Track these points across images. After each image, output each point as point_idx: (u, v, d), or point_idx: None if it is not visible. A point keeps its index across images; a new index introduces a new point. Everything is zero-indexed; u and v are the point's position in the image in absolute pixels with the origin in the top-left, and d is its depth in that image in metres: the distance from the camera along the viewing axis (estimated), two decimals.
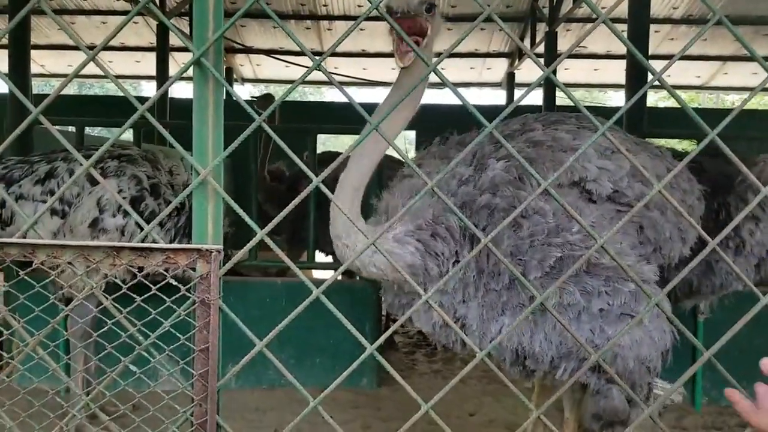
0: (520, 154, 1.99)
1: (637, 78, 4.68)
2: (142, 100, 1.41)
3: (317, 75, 10.85)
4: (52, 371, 1.42)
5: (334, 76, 1.48)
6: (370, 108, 1.39)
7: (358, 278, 4.42)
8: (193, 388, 1.28)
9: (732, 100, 18.20)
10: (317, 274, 6.54)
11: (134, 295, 1.32)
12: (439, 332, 2.21)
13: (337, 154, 8.82)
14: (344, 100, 1.27)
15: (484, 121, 1.29)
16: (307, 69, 1.37)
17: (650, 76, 1.34)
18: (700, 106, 15.78)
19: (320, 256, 5.49)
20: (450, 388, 3.00)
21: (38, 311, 1.48)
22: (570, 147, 2.17)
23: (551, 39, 7.63)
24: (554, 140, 2.19)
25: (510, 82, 10.32)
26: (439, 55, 1.33)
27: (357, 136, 1.56)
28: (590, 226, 1.95)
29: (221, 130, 1.38)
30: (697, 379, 4.02)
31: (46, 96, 1.47)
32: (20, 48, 5.31)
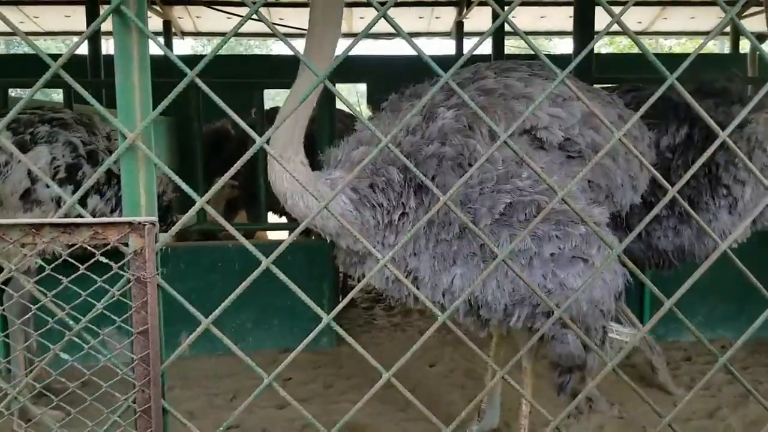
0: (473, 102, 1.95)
1: (585, 24, 4.63)
2: (74, 58, 1.24)
3: (263, 27, 10.33)
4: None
5: (279, 27, 1.34)
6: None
7: (313, 237, 4.33)
8: (134, 373, 1.18)
9: (670, 45, 18.56)
10: (274, 235, 6.42)
11: (60, 276, 1.19)
12: (392, 288, 2.20)
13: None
14: (291, 53, 1.14)
15: (440, 71, 1.20)
16: (255, 20, 1.23)
17: (600, 23, 1.27)
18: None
19: (273, 217, 5.36)
20: (410, 341, 2.95)
21: None
22: (522, 94, 2.13)
23: None
24: (506, 88, 2.15)
25: (459, 32, 10.13)
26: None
27: None
28: (541, 169, 1.87)
29: (149, 88, 1.24)
30: (644, 316, 4.18)
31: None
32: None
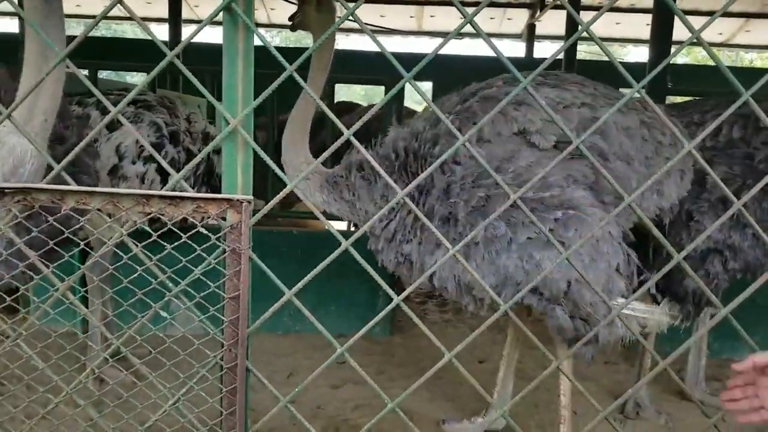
0: (469, 108, 2.38)
1: (662, 33, 4.52)
2: (152, 44, 1.38)
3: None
4: (83, 315, 1.46)
5: (349, 23, 1.44)
6: (385, 58, 1.34)
7: None
8: (223, 334, 1.31)
9: (750, 59, 17.59)
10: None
11: (165, 244, 1.34)
12: (399, 269, 2.54)
13: (353, 104, 8.70)
14: (356, 48, 1.23)
15: (519, 75, 1.26)
16: None
17: (678, 32, 1.29)
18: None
19: None
20: (460, 337, 3.03)
21: (68, 257, 1.51)
22: (520, 101, 2.34)
23: None
24: (505, 95, 2.31)
25: (530, 34, 10.01)
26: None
27: (369, 87, 1.54)
28: (528, 165, 2.25)
29: (251, 79, 1.36)
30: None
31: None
32: None
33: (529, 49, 10.01)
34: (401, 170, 2.47)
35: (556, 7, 8.82)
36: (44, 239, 1.46)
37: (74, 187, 1.36)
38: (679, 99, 4.64)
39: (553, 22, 9.85)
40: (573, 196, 2.28)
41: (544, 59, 1.30)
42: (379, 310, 4.42)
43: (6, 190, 1.35)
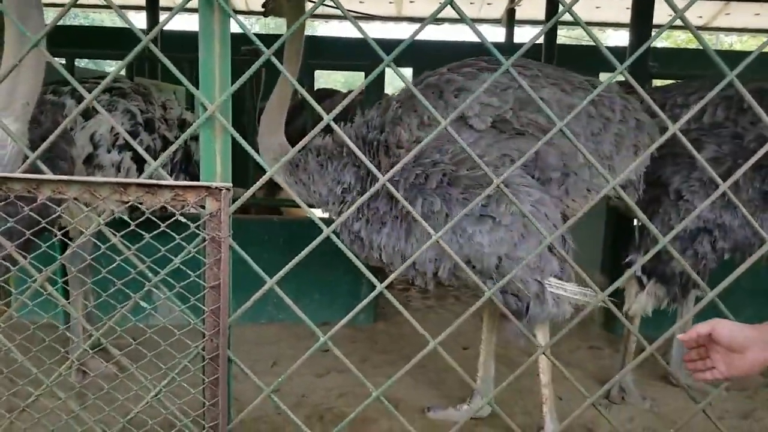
0: (412, 96, 2.52)
1: (643, 17, 4.54)
2: (128, 32, 1.35)
3: (308, 6, 10.42)
4: (61, 307, 1.44)
5: (328, 9, 1.41)
6: (369, 44, 1.32)
7: None
8: (205, 324, 1.30)
9: (730, 42, 17.81)
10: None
11: (143, 233, 1.32)
12: (352, 247, 2.67)
13: (332, 90, 8.63)
14: (335, 35, 1.21)
15: (501, 58, 1.26)
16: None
17: (658, 17, 1.30)
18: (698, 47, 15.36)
19: None
20: (443, 323, 3.05)
21: (45, 247, 1.48)
22: (460, 88, 2.49)
23: None
24: (446, 82, 2.55)
25: (510, 20, 10.01)
26: None
27: (349, 72, 1.52)
28: (468, 144, 2.28)
29: (228, 64, 1.34)
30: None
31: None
32: None
33: (509, 34, 10.00)
34: (353, 156, 2.62)
35: None
36: (21, 229, 1.43)
37: (50, 176, 1.33)
38: (660, 82, 4.68)
39: (533, 6, 9.84)
40: (512, 177, 2.40)
41: (524, 44, 1.29)
42: (363, 297, 4.43)
43: None
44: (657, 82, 4.86)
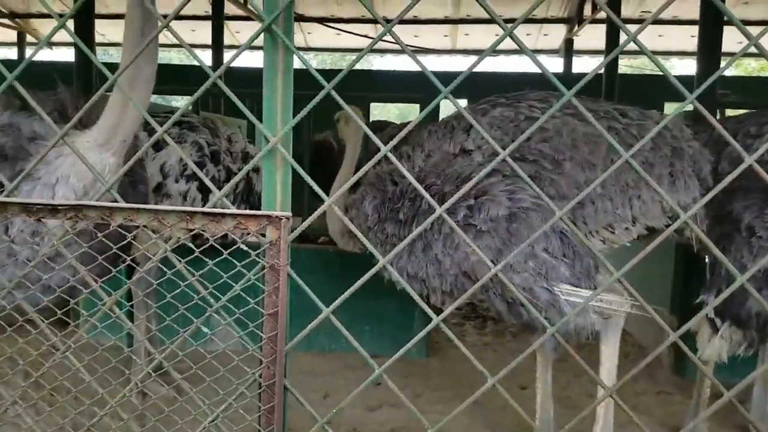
0: (419, 133, 2.79)
1: (710, 43, 4.40)
2: (195, 69, 1.42)
3: (364, 42, 10.72)
4: (128, 329, 1.49)
5: (383, 43, 1.44)
6: (424, 77, 1.34)
7: None
8: (262, 351, 1.32)
9: None
10: None
11: (207, 259, 1.36)
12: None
13: (386, 123, 8.77)
14: (390, 68, 1.23)
15: (562, 87, 1.24)
16: (361, 36, 1.34)
17: (728, 43, 1.25)
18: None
19: None
20: (500, 360, 2.96)
21: (115, 272, 1.55)
22: (466, 127, 2.67)
23: (614, 3, 7.26)
24: (455, 118, 2.76)
25: (568, 49, 9.92)
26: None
27: (404, 105, 1.54)
28: (460, 167, 2.58)
29: (290, 98, 1.38)
30: None
31: (109, 65, 1.50)
32: (85, 18, 5.41)
33: (567, 64, 9.91)
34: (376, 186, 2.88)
35: (594, 21, 8.73)
36: (95, 255, 1.51)
37: (121, 204, 1.40)
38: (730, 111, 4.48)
39: (592, 36, 9.74)
40: (486, 184, 2.49)
41: (583, 74, 1.27)
42: (416, 329, 4.39)
43: (59, 207, 1.40)
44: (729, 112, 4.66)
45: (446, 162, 2.64)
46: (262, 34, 1.37)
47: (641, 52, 1.27)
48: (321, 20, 10.33)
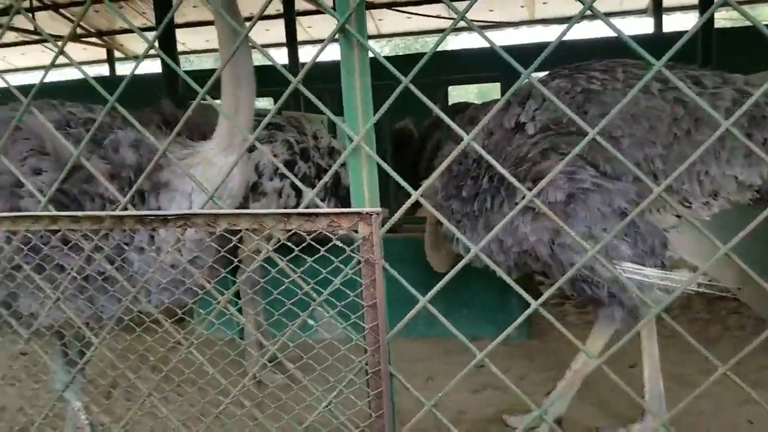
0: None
1: None
2: (273, 69, 1.50)
3: (436, 23, 10.54)
4: (242, 325, 1.62)
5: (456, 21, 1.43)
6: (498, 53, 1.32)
7: None
8: (365, 340, 1.38)
9: None
10: None
11: (306, 257, 1.44)
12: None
13: (466, 104, 8.63)
14: (466, 47, 1.22)
15: (651, 59, 1.18)
16: (433, 17, 1.34)
17: None
18: None
19: None
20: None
21: (225, 273, 1.68)
22: (522, 98, 2.71)
23: None
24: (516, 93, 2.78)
25: (657, 8, 9.23)
26: None
27: (483, 84, 1.52)
28: (520, 144, 2.63)
29: (369, 95, 1.42)
30: None
31: (189, 72, 1.60)
32: (167, 30, 5.69)
33: (657, 24, 9.23)
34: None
35: None
36: (222, 257, 1.64)
37: (225, 210, 1.51)
38: None
39: None
40: (542, 168, 2.49)
41: (676, 33, 1.20)
42: (513, 311, 4.33)
43: (169, 217, 1.54)
44: None
45: (506, 140, 2.70)
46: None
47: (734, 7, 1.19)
48: (391, 5, 10.34)
